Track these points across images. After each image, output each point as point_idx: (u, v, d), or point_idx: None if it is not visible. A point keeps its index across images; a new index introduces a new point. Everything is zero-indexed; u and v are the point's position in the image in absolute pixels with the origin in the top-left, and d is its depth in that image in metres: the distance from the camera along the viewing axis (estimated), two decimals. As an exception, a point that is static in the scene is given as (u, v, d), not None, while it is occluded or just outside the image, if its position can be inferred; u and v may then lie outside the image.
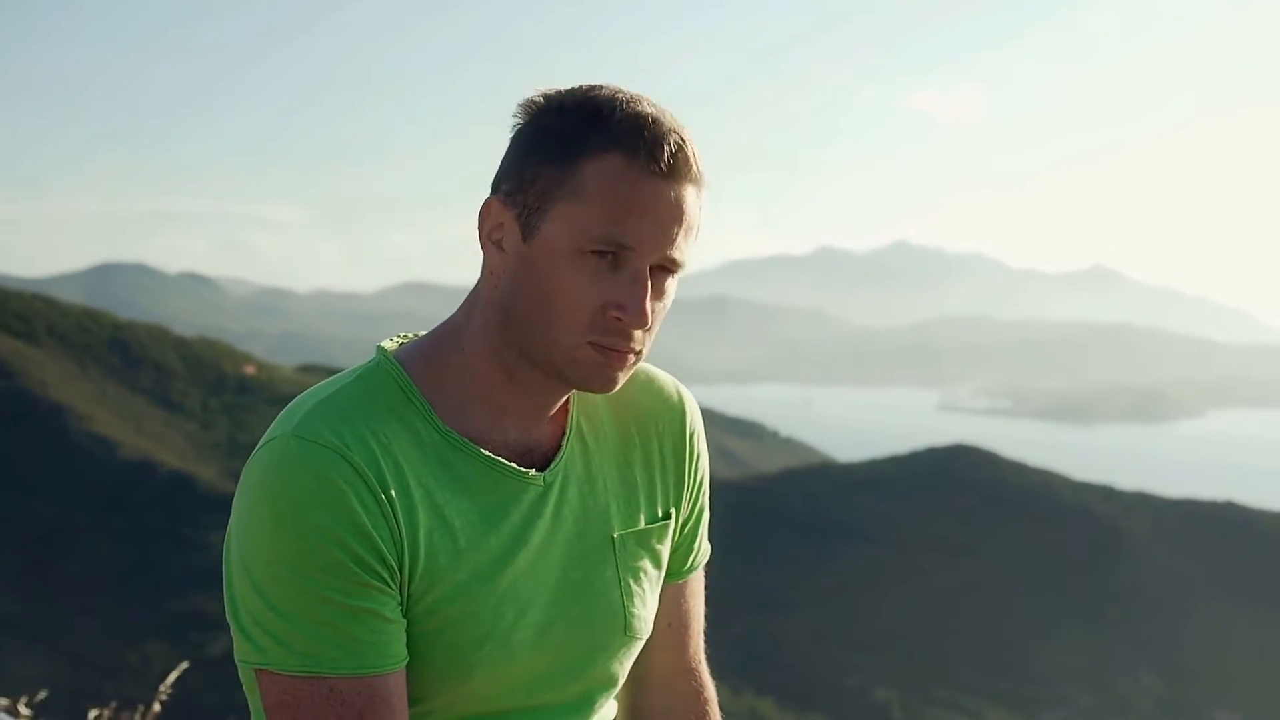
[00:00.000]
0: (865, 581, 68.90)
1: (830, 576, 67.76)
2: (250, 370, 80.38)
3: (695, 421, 2.20)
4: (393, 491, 1.86)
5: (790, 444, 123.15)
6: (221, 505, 60.26)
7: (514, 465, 1.97)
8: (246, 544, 1.85)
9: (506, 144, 1.95)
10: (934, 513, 75.16)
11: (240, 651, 1.88)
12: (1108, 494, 79.23)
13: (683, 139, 1.86)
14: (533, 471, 1.98)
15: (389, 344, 2.03)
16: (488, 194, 1.95)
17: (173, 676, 5.13)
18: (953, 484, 77.96)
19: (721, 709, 2.31)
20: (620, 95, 1.88)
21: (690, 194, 1.88)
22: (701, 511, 2.22)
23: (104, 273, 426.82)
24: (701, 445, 2.21)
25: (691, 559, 2.22)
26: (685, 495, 2.17)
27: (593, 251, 1.85)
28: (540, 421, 2.01)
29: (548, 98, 1.91)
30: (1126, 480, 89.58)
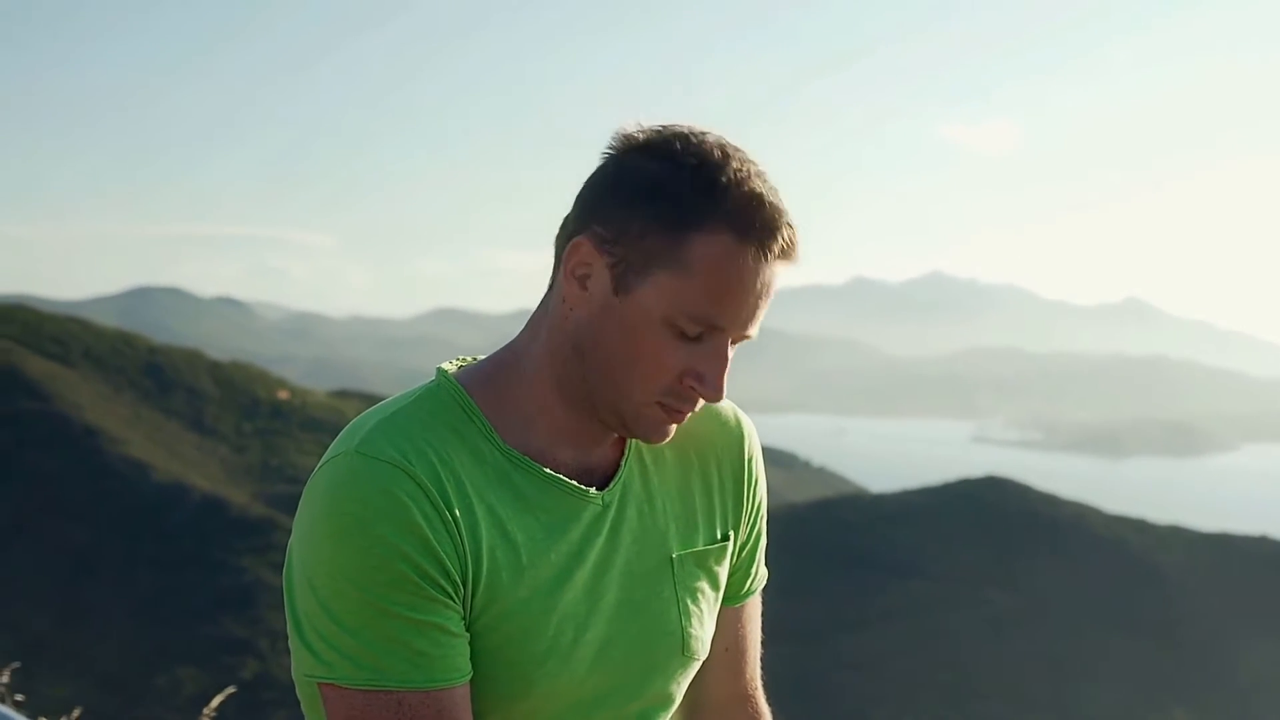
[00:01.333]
0: (897, 613, 68.66)
1: (861, 607, 67.55)
2: (283, 395, 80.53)
3: (754, 446, 2.22)
4: (456, 508, 1.87)
5: (823, 474, 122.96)
6: (254, 529, 60.55)
7: (574, 483, 1.98)
8: (310, 559, 1.86)
9: (596, 173, 1.94)
10: (966, 544, 74.87)
11: (304, 666, 1.88)
12: (1141, 527, 78.82)
13: (791, 225, 1.88)
14: (593, 490, 1.99)
15: (449, 366, 2.04)
16: (570, 222, 1.94)
17: (218, 700, 5.15)
18: (985, 516, 77.65)
19: None
20: (735, 165, 1.86)
21: (783, 273, 1.91)
22: (759, 535, 2.24)
23: (139, 296, 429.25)
24: (759, 470, 2.24)
25: (749, 583, 2.24)
26: (744, 518, 2.19)
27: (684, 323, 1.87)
28: (600, 443, 2.03)
29: (653, 142, 1.89)
30: (1160, 514, 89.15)
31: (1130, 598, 70.49)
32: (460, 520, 1.88)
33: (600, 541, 1.99)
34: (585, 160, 1.96)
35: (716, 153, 1.86)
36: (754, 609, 2.27)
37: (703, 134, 1.89)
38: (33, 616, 54.51)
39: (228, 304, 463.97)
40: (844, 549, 72.10)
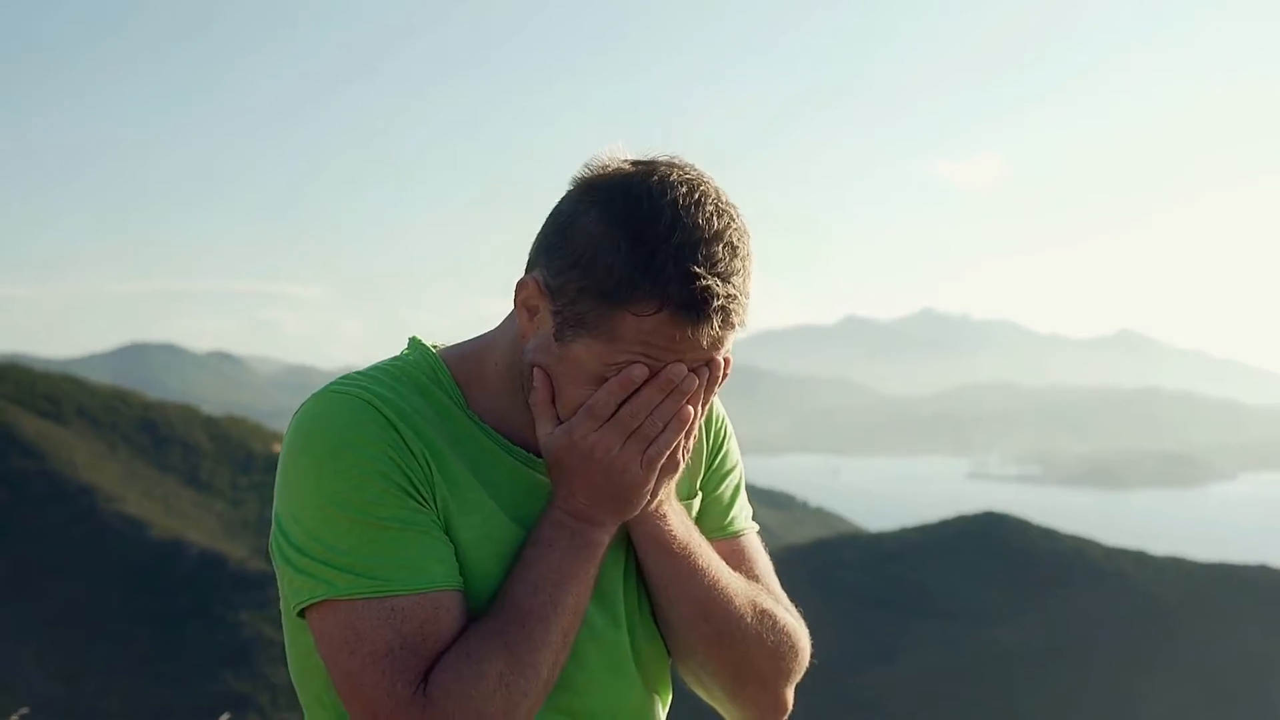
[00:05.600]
0: (896, 650, 68.48)
1: (861, 646, 67.33)
2: (278, 448, 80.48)
3: (717, 409, 2.27)
4: (420, 443, 1.95)
5: (820, 514, 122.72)
6: (253, 584, 60.41)
7: (529, 454, 2.05)
8: (293, 497, 1.93)
9: (554, 212, 1.97)
10: (965, 581, 74.73)
11: (299, 596, 1.93)
12: (1140, 559, 78.66)
13: (733, 298, 1.88)
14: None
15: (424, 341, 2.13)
16: (531, 252, 1.99)
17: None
18: (984, 552, 77.53)
19: None
20: (679, 231, 1.85)
21: (728, 338, 1.92)
22: (726, 476, 2.27)
23: (132, 353, 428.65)
24: (725, 430, 2.28)
25: (727, 521, 2.25)
26: (707, 475, 2.25)
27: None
28: None
29: (607, 193, 1.91)
30: (1159, 545, 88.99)
31: (1130, 630, 70.34)
32: (425, 456, 1.95)
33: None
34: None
35: (666, 215, 1.86)
36: (750, 550, 2.26)
37: (665, 183, 1.89)
38: (32, 675, 54.32)
39: (222, 358, 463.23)
40: (843, 589, 71.95)
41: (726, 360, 1.96)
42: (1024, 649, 69.11)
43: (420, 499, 1.93)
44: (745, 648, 2.12)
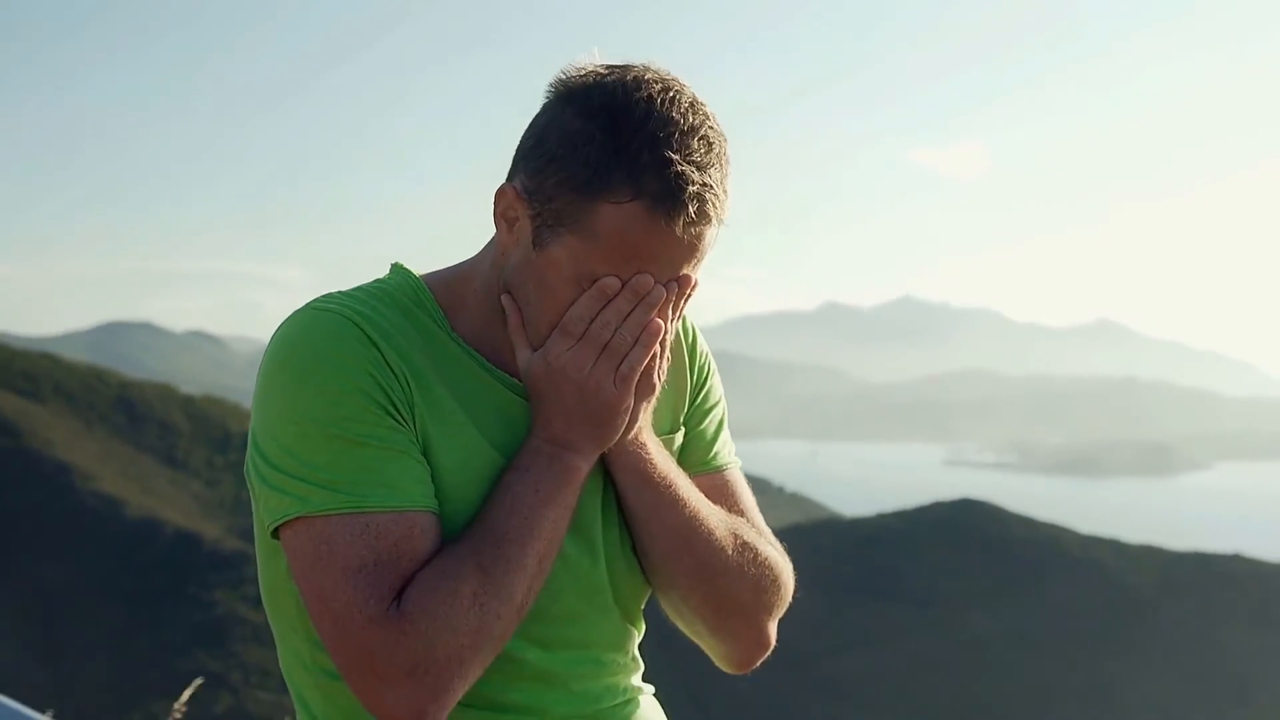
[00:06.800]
0: (872, 638, 68.63)
1: (837, 633, 67.46)
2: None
3: (700, 345, 2.26)
4: (401, 362, 1.94)
5: (796, 499, 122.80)
6: (227, 564, 60.31)
7: (512, 379, 2.04)
8: (270, 414, 1.91)
9: (532, 120, 1.96)
10: (941, 567, 74.88)
11: (273, 513, 1.91)
12: (1116, 548, 78.88)
13: (709, 187, 1.87)
14: None
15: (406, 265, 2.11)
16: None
17: (187, 693, 5.19)
18: (960, 539, 77.69)
19: None
20: (653, 121, 1.85)
21: (708, 233, 1.91)
22: (710, 418, 2.26)
23: (110, 331, 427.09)
24: (709, 365, 2.27)
25: (710, 455, 2.24)
26: (690, 410, 2.23)
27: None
28: None
29: (584, 93, 1.90)
30: (1134, 534, 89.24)
31: (1105, 617, 70.57)
32: (406, 376, 1.93)
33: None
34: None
35: (639, 110, 1.86)
36: (733, 484, 2.25)
37: (640, 82, 1.89)
38: (5, 653, 54.18)
39: (200, 338, 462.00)
40: (819, 574, 72.06)
41: (695, 281, 1.96)
42: (999, 636, 69.32)
43: (399, 419, 1.91)
44: (727, 580, 2.10)
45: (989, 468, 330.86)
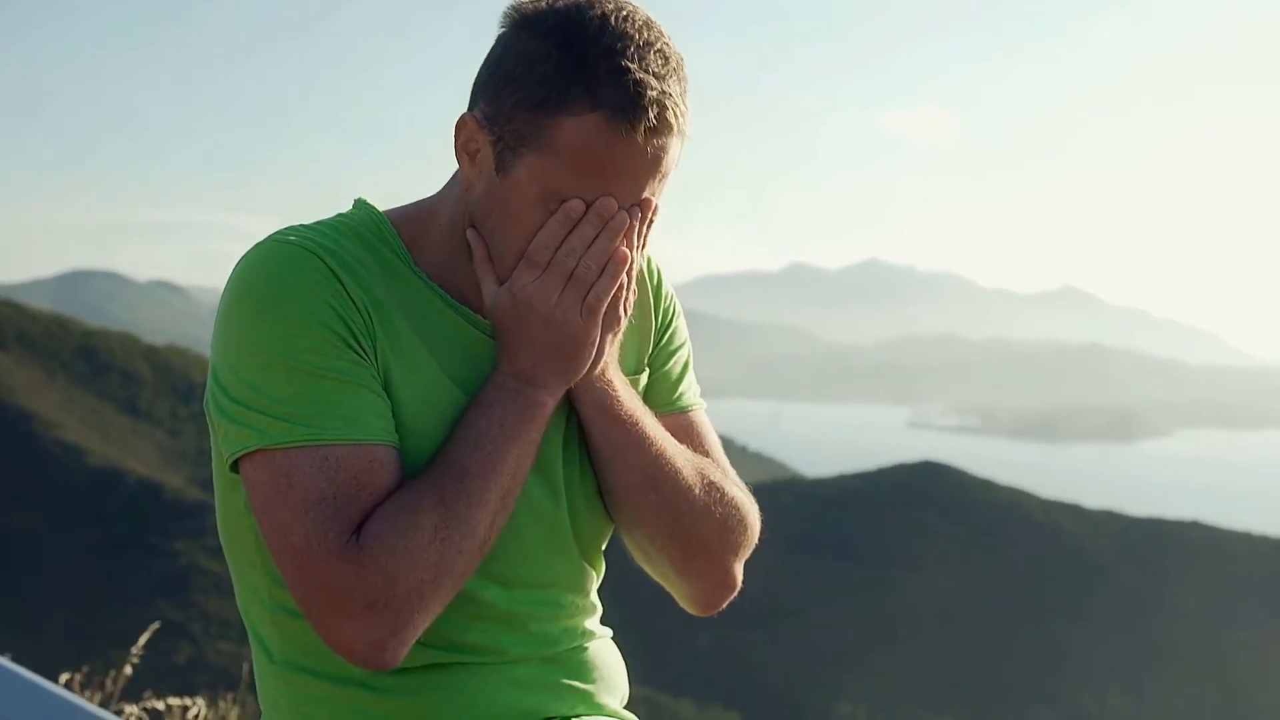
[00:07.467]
0: (832, 597, 68.95)
1: (797, 592, 67.73)
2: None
3: (666, 286, 2.25)
4: (362, 294, 1.92)
5: (759, 459, 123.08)
6: (189, 513, 60.10)
7: (479, 316, 2.02)
8: (230, 345, 1.89)
9: (489, 51, 1.95)
10: (902, 529, 75.21)
11: (231, 446, 1.89)
12: (1075, 512, 79.34)
13: (668, 95, 1.86)
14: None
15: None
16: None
17: (143, 638, 5.20)
18: (921, 501, 78.00)
19: None
20: (608, 40, 1.84)
21: (671, 146, 1.90)
22: (676, 359, 2.26)
23: (74, 280, 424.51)
24: (674, 307, 2.27)
25: (676, 396, 2.24)
26: (655, 350, 2.23)
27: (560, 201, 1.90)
28: None
29: (536, 17, 1.89)
30: (1094, 499, 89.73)
31: (1063, 581, 71.00)
32: (367, 309, 1.92)
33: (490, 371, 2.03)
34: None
35: (593, 26, 1.85)
36: (698, 426, 2.25)
37: (593, 3, 1.88)
38: (-35, 601, 54.02)
39: (164, 288, 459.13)
40: (781, 534, 72.24)
41: (656, 206, 1.95)
42: (959, 597, 69.72)
43: (360, 352, 1.89)
44: (693, 519, 2.08)
45: (952, 431, 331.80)
